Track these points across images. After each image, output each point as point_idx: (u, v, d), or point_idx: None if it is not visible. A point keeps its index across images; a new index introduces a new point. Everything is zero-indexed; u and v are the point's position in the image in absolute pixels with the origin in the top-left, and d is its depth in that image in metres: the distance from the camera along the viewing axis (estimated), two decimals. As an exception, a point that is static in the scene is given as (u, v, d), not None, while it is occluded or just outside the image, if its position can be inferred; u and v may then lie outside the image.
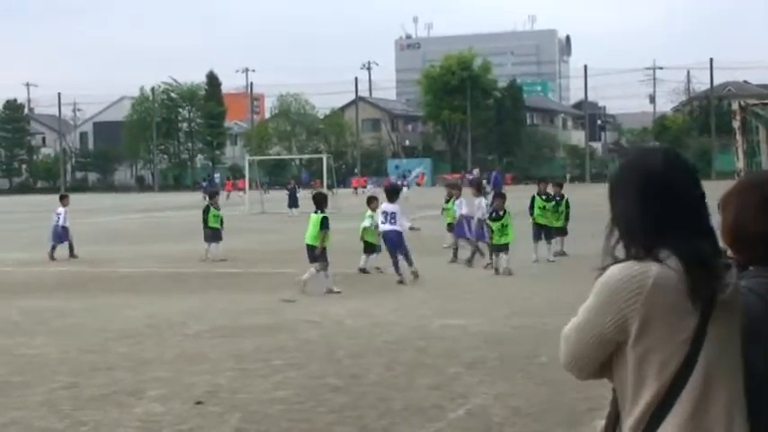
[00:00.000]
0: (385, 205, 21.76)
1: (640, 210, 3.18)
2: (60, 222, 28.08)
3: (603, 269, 3.22)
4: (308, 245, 19.46)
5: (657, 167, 3.20)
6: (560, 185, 27.10)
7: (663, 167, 3.19)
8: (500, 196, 23.38)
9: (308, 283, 18.86)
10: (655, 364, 3.05)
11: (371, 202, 23.30)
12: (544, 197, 25.33)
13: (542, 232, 24.51)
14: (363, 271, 22.39)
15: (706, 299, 3.04)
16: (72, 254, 27.69)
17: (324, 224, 19.23)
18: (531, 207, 25.08)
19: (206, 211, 27.17)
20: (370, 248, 22.74)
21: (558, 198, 25.86)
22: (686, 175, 3.22)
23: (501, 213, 22.19)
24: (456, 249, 24.25)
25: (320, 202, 19.94)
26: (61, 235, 27.95)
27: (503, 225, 21.98)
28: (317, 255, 19.13)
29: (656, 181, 3.17)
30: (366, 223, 22.75)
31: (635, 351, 3.08)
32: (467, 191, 26.28)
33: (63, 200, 29.40)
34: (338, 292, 18.64)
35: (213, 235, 26.64)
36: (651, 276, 3.05)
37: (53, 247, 27.56)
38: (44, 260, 26.33)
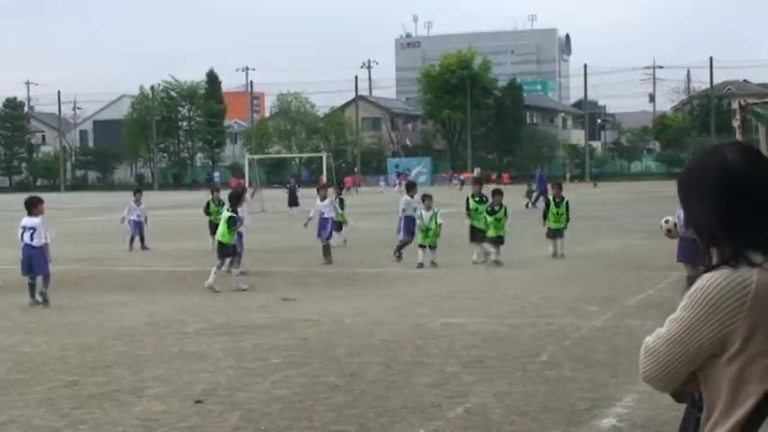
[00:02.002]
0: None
1: (725, 212, 3.01)
2: (123, 214, 30.45)
3: (693, 278, 3.06)
4: (219, 242, 20.29)
5: (741, 166, 3.03)
6: (560, 186, 26.60)
7: (746, 166, 3.03)
8: (498, 193, 24.12)
9: (214, 281, 19.37)
10: (756, 373, 2.94)
11: (425, 200, 24.05)
12: (477, 199, 24.42)
13: (476, 235, 23.84)
14: (422, 266, 22.89)
15: None
16: (142, 245, 29.59)
17: (230, 223, 19.98)
18: (467, 208, 24.50)
19: (207, 205, 29.50)
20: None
21: (557, 200, 25.45)
22: (766, 168, 3.06)
23: (497, 209, 23.42)
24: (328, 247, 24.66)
25: (233, 200, 20.75)
26: (133, 227, 29.86)
27: (497, 219, 23.17)
28: (225, 252, 19.94)
29: (741, 181, 3.01)
30: (416, 221, 23.69)
31: (735, 362, 2.95)
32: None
33: (134, 194, 31.41)
34: (245, 289, 19.14)
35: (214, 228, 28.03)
36: (753, 286, 2.91)
37: (131, 239, 29.66)
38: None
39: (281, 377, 11.11)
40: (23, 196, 19.06)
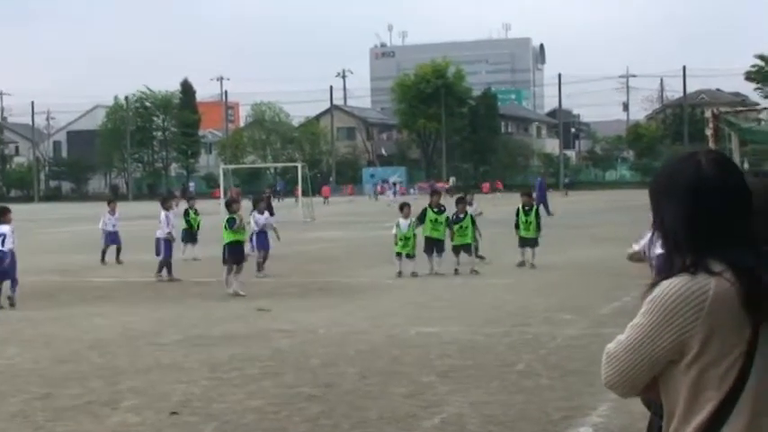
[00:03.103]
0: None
1: (692, 219, 3.02)
2: (99, 225, 30.01)
3: (653, 285, 3.07)
4: (224, 246, 21.10)
5: (714, 175, 3.04)
6: (529, 195, 26.39)
7: (719, 175, 3.04)
8: (461, 201, 24.58)
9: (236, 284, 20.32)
10: (714, 379, 2.95)
11: (403, 208, 24.23)
12: (436, 210, 23.95)
13: (433, 246, 23.54)
14: (400, 275, 22.92)
15: (762, 310, 2.94)
16: (117, 257, 29.00)
17: (229, 224, 21.05)
18: (422, 219, 23.89)
19: (186, 214, 29.79)
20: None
21: (527, 208, 25.13)
22: (738, 180, 3.07)
23: (461, 216, 23.94)
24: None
25: (230, 206, 22.31)
26: (105, 238, 29.42)
27: (461, 227, 23.68)
28: (234, 253, 20.83)
29: (713, 190, 3.02)
30: (393, 230, 23.71)
31: (693, 368, 2.97)
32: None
33: (108, 204, 30.96)
34: (237, 294, 19.92)
35: (190, 236, 29.33)
36: (710, 293, 2.93)
37: (104, 251, 29.06)
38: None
39: (256, 388, 11.08)
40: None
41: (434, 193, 25.98)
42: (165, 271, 23.67)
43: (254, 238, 24.42)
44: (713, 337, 2.95)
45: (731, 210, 3.03)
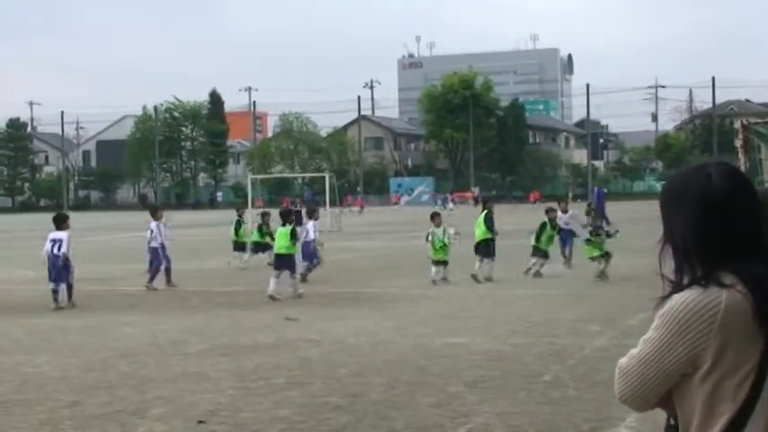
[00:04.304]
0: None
1: (701, 230, 3.02)
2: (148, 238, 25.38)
3: (664, 298, 3.06)
4: (277, 254, 21.94)
5: (725, 188, 3.04)
6: (555, 211, 26.84)
7: (730, 188, 3.04)
8: (551, 210, 26.23)
9: (275, 290, 20.84)
10: (728, 391, 2.95)
11: (434, 218, 24.66)
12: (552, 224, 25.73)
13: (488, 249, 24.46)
14: (435, 283, 23.27)
15: None
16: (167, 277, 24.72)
17: (293, 235, 21.85)
18: (541, 232, 25.53)
19: (259, 228, 30.20)
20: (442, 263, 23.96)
21: (554, 223, 26.08)
22: (748, 193, 3.07)
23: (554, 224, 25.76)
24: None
25: (286, 216, 22.66)
26: (151, 255, 24.96)
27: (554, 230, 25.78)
28: (288, 263, 21.53)
29: (723, 203, 3.01)
30: (429, 238, 24.09)
31: (707, 381, 2.97)
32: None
33: (153, 213, 26.51)
34: (300, 294, 21.06)
35: (242, 246, 30.54)
36: (721, 306, 2.92)
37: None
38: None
39: (283, 397, 11.09)
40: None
41: (551, 209, 27.09)
42: (157, 280, 23.77)
43: (303, 247, 24.53)
44: (726, 350, 2.94)
45: (741, 222, 3.02)
